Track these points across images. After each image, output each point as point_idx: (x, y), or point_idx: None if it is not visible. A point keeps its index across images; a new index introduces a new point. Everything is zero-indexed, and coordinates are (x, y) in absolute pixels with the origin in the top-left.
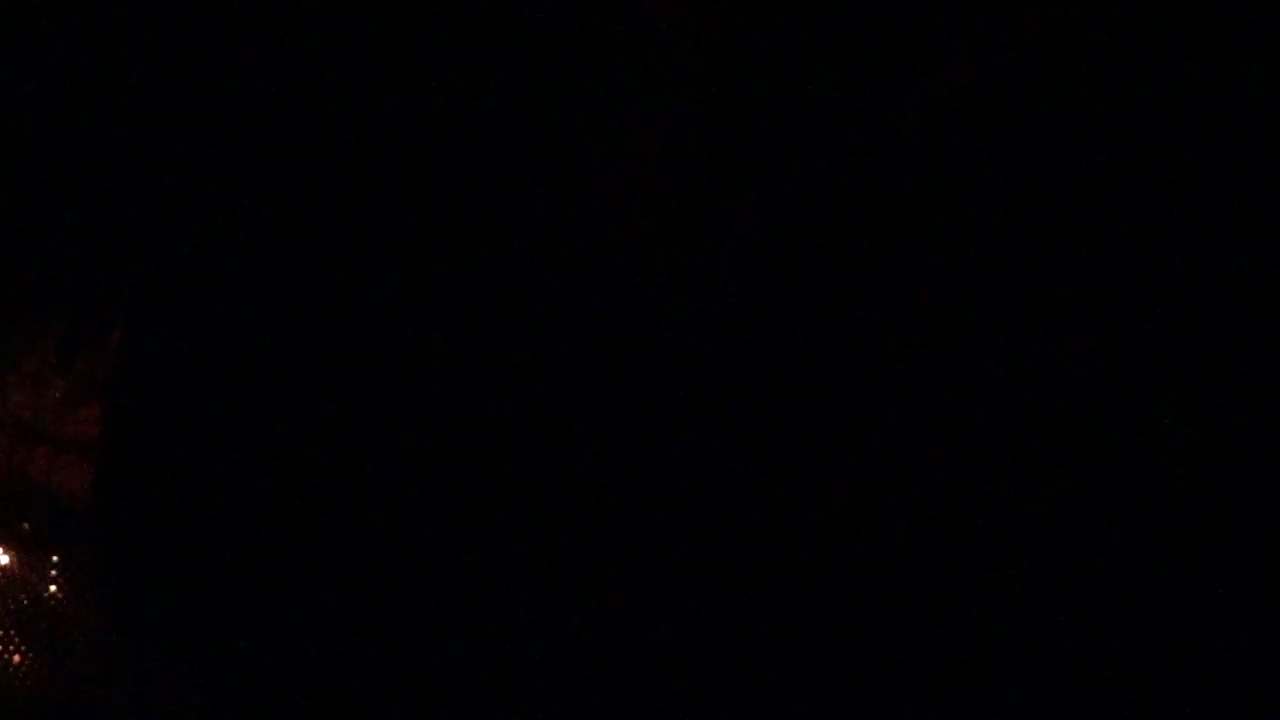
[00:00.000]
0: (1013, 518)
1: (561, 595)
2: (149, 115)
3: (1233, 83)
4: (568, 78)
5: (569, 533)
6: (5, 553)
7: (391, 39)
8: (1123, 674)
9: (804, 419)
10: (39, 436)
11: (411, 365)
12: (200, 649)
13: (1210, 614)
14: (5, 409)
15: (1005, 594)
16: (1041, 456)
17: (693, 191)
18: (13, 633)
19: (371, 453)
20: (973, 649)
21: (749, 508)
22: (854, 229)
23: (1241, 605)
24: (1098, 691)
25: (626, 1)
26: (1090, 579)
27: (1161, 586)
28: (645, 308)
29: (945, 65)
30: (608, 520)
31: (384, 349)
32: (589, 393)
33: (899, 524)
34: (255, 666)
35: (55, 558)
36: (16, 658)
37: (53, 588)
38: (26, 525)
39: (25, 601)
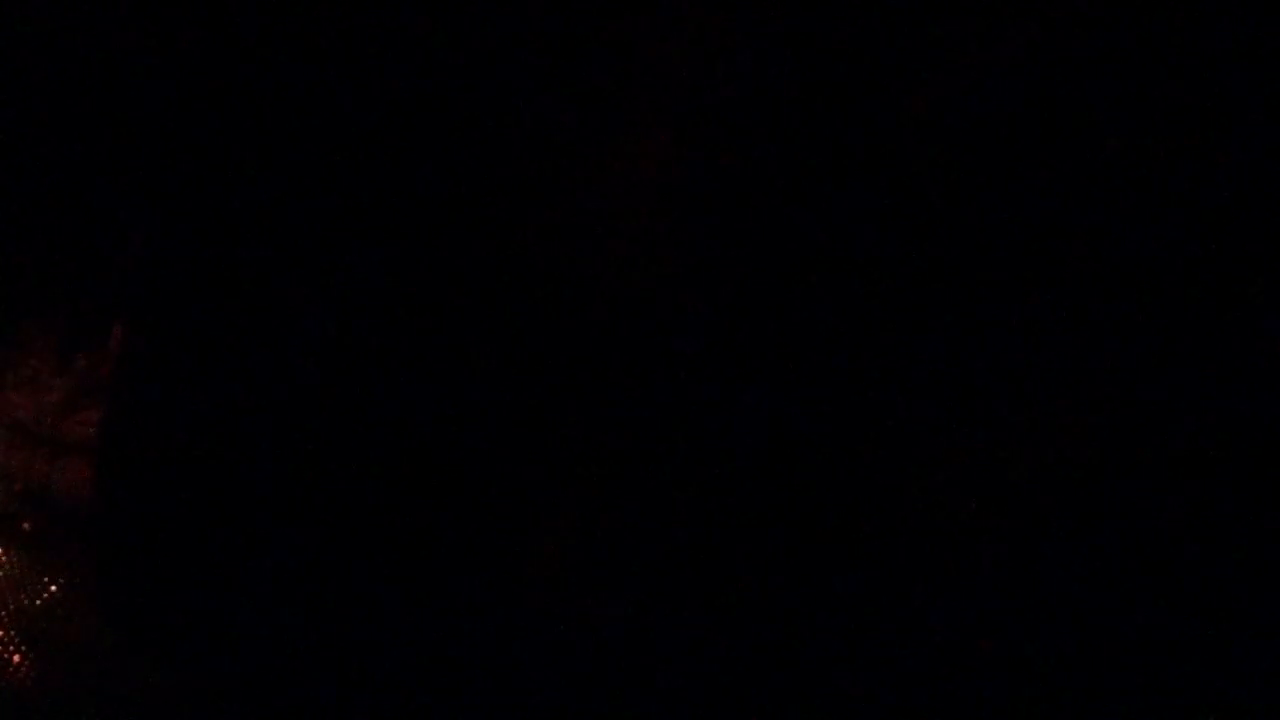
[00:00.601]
0: (1013, 518)
1: (562, 594)
2: (149, 114)
3: (1239, 80)
4: (568, 76)
5: (569, 532)
6: (5, 553)
7: (391, 38)
8: (1123, 673)
9: (804, 418)
10: (39, 436)
11: (411, 365)
12: (200, 649)
13: (1211, 614)
14: (5, 409)
15: (1006, 594)
16: (1042, 455)
17: (694, 189)
18: (13, 633)
19: (372, 452)
20: (973, 649)
21: (749, 507)
22: (856, 226)
23: (1242, 605)
24: (1098, 691)
25: (627, 1)
26: (1091, 578)
27: (1162, 586)
28: (646, 306)
29: (950, 62)
30: (607, 523)
31: (384, 349)
32: (589, 392)
33: (899, 524)
34: (255, 666)
35: (55, 558)
36: (16, 658)
37: (53, 588)
38: (26, 525)
39: (25, 601)
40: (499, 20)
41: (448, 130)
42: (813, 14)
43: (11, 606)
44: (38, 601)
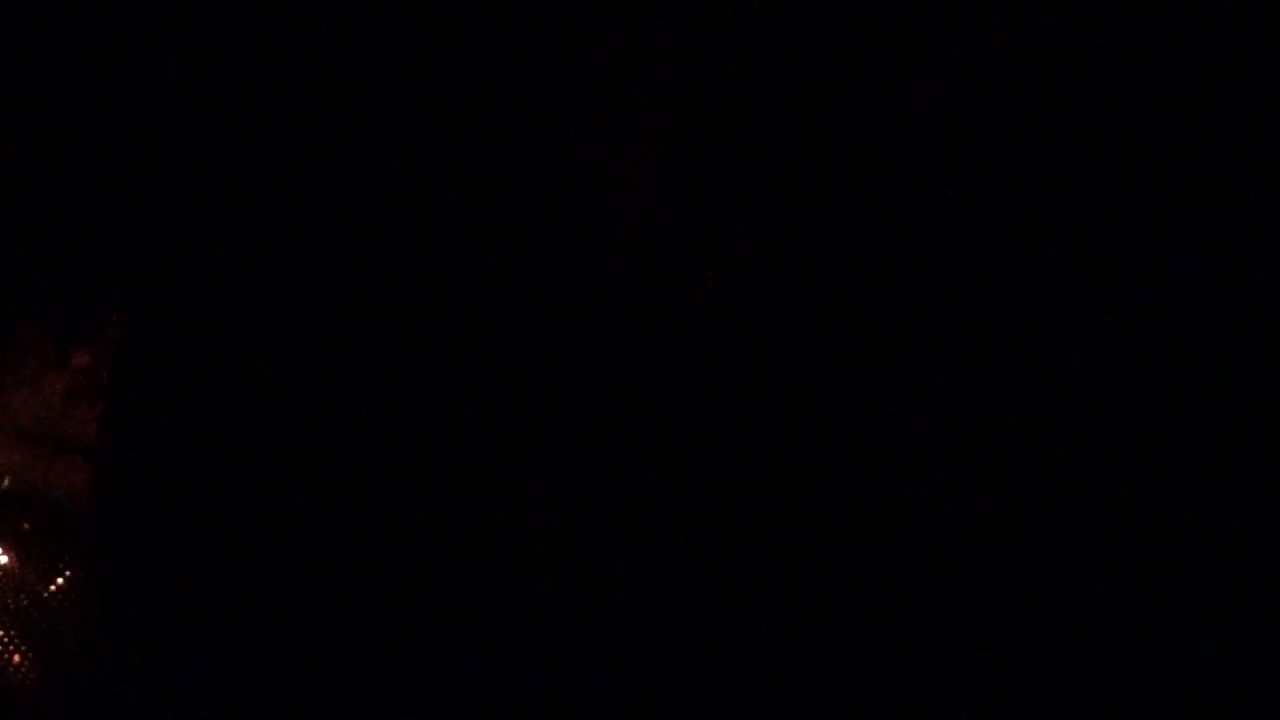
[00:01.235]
0: (1014, 518)
1: (561, 594)
2: (148, 113)
3: (1240, 78)
4: (567, 76)
5: (568, 531)
6: (5, 553)
7: (391, 39)
8: (1122, 674)
9: (804, 418)
10: (39, 437)
11: (411, 365)
12: (200, 649)
13: (1209, 613)
14: (5, 410)
15: (1008, 595)
16: (1042, 455)
17: (694, 186)
18: (13, 633)
19: (371, 452)
20: (973, 648)
21: (748, 507)
22: (856, 224)
23: (1241, 605)
24: (1098, 692)
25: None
26: (1090, 579)
27: (1162, 586)
28: (645, 306)
29: (950, 59)
30: (607, 521)
31: (384, 349)
32: (589, 393)
33: (899, 525)
34: (255, 667)
35: (55, 558)
36: (16, 658)
37: (53, 588)
38: (26, 525)
39: (25, 601)
40: (499, 20)
41: (447, 129)
42: (812, 14)
43: (11, 606)
44: (38, 601)
